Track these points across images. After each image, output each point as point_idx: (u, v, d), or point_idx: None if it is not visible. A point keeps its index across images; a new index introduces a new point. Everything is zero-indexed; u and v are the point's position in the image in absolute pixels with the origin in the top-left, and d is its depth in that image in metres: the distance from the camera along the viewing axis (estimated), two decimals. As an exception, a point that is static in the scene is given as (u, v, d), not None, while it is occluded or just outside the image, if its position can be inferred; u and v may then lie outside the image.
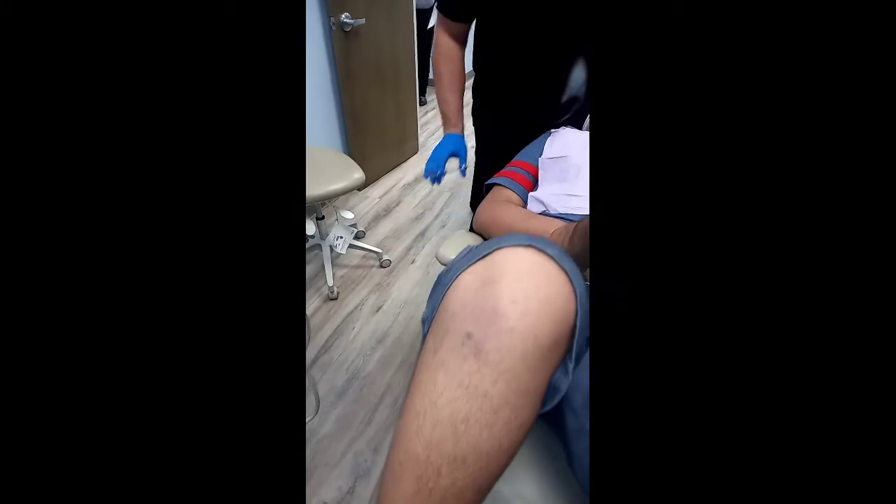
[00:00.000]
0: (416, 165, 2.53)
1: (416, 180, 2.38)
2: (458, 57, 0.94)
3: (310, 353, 1.36)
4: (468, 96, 1.02)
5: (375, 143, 2.24)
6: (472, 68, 1.03)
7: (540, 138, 0.86)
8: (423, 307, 1.30)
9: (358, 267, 1.75)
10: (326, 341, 1.41)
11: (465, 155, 0.94)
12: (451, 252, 0.77)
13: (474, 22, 0.92)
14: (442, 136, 0.95)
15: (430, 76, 3.20)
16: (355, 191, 2.13)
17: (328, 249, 1.63)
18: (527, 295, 0.34)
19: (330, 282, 1.58)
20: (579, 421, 0.41)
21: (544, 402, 0.37)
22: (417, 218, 2.08)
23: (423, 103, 3.30)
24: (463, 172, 0.95)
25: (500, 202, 0.75)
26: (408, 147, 2.55)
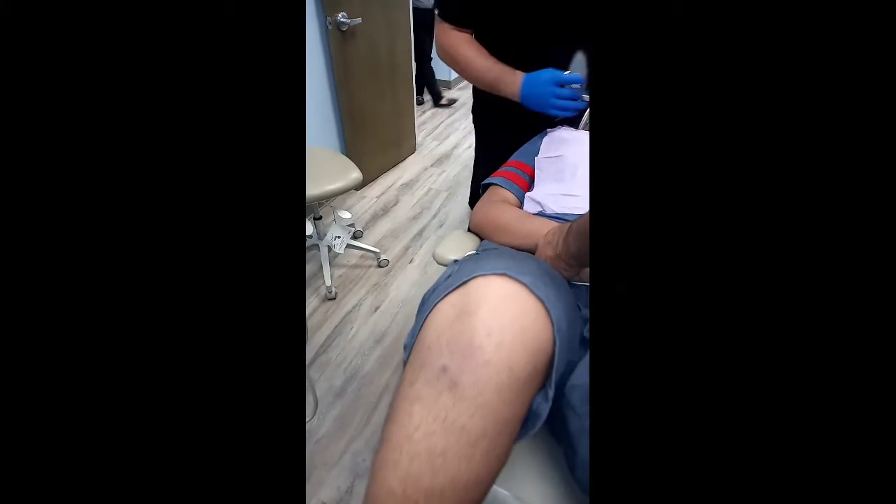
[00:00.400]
0: (413, 165, 2.52)
1: (414, 180, 2.37)
2: (470, 37, 0.89)
3: (308, 354, 1.35)
4: (468, 95, 1.01)
5: (373, 143, 2.23)
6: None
7: (536, 138, 0.86)
8: (421, 307, 1.30)
9: (356, 267, 1.75)
10: (325, 341, 1.41)
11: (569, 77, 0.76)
12: (448, 252, 0.77)
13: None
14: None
15: (435, 77, 3.22)
16: (353, 190, 2.13)
17: (326, 249, 1.63)
18: (501, 327, 0.34)
19: (328, 282, 1.58)
20: (581, 421, 0.41)
21: (526, 429, 0.37)
22: (415, 217, 2.07)
23: (420, 102, 3.30)
24: (586, 91, 0.78)
25: (497, 202, 0.75)
26: (405, 147, 2.53)
